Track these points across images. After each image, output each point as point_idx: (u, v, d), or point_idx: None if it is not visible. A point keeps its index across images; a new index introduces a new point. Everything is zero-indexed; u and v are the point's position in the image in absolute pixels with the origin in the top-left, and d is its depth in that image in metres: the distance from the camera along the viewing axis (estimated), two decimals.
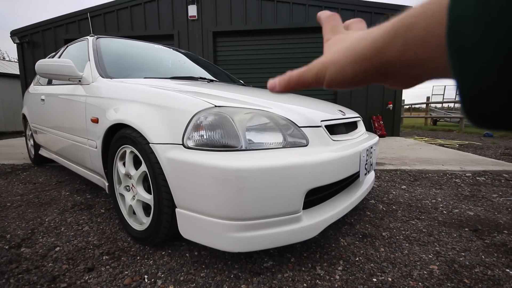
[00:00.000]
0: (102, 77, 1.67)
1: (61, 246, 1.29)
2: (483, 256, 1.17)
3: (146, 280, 1.01)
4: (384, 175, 2.58)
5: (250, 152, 1.00)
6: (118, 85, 1.50)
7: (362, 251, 1.22)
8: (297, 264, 1.11)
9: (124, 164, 1.38)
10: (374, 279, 1.01)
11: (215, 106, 1.07)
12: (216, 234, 0.97)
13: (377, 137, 1.74)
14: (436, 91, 15.22)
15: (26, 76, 6.77)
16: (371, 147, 1.44)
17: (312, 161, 1.01)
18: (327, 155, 1.07)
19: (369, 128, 5.69)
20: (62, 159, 2.32)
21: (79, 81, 1.77)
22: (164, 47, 2.56)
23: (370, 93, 5.72)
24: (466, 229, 1.44)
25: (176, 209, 1.08)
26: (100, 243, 1.31)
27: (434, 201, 1.88)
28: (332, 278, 1.02)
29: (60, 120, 2.07)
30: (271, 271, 1.07)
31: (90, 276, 1.04)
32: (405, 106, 13.49)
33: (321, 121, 1.23)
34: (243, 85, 2.60)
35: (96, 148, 1.54)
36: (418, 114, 21.75)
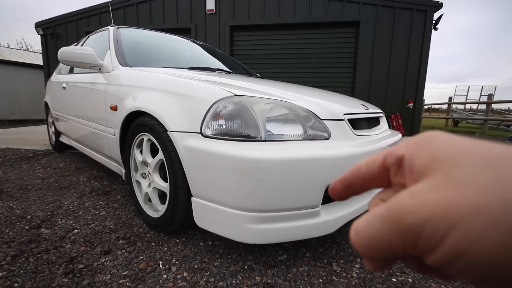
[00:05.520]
0: (122, 65, 1.68)
1: (79, 228, 1.32)
2: None
3: (160, 265, 1.02)
4: None
5: (270, 143, 0.97)
6: (137, 73, 1.51)
7: None
8: (312, 259, 1.08)
9: (141, 151, 1.39)
10: (394, 279, 0.97)
11: (235, 95, 1.04)
12: (232, 224, 0.96)
13: (400, 134, 1.67)
14: (459, 91, 14.52)
15: (49, 66, 7.01)
16: (395, 144, 1.37)
17: (334, 155, 0.97)
18: (350, 149, 1.03)
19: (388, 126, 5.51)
20: (82, 146, 2.38)
21: (100, 69, 1.79)
22: (183, 39, 2.56)
23: (389, 90, 5.53)
24: None
25: (192, 198, 1.08)
26: (116, 228, 1.33)
27: None
28: (349, 276, 0.98)
29: (80, 107, 2.12)
30: (286, 264, 1.04)
31: (106, 259, 1.05)
32: (424, 106, 13.00)
33: (344, 114, 1.18)
34: (260, 78, 2.56)
35: (114, 135, 1.56)
36: (438, 115, 20.99)
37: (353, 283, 0.94)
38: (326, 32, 5.70)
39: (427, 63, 5.43)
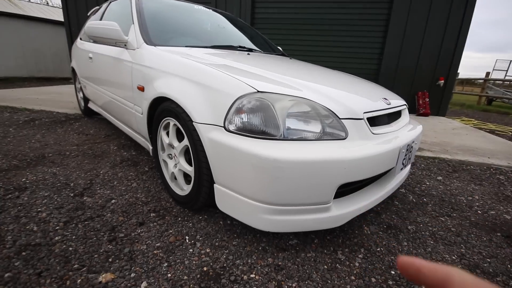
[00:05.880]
0: (147, 43, 1.70)
1: (116, 199, 1.50)
2: (509, 265, 1.17)
3: (187, 240, 1.18)
4: (421, 162, 2.48)
5: (288, 142, 1.02)
6: (163, 55, 1.54)
7: (384, 242, 1.27)
8: (320, 246, 1.20)
9: (167, 133, 1.49)
10: (393, 272, 1.08)
11: (258, 91, 1.07)
12: (250, 213, 1.07)
13: (421, 126, 1.65)
14: (499, 66, 13.12)
15: (70, 24, 7.02)
16: (413, 142, 1.38)
17: (349, 157, 1.01)
18: (365, 151, 1.06)
19: (412, 105, 5.27)
20: (110, 116, 2.53)
21: (125, 45, 1.83)
22: (203, 8, 2.48)
23: (420, 64, 5.15)
24: (499, 234, 1.41)
25: (214, 184, 1.19)
26: (147, 201, 1.50)
27: (470, 198, 1.81)
28: (351, 264, 1.10)
29: (108, 80, 2.20)
30: (296, 249, 1.17)
31: (141, 230, 1.23)
32: (458, 79, 11.98)
33: (364, 113, 1.19)
34: (282, 54, 2.49)
35: (142, 114, 1.66)
36: (472, 89, 19.43)
37: (355, 272, 1.06)
38: None
39: (467, 34, 4.92)
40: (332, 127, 1.10)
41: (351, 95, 1.28)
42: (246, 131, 1.06)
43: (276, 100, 1.06)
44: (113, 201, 1.48)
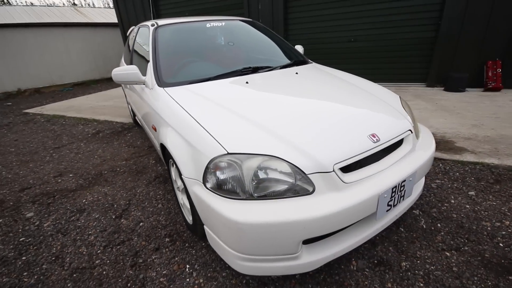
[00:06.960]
0: (158, 85, 1.91)
1: (144, 221, 1.87)
2: None
3: (187, 269, 1.45)
4: (456, 169, 2.20)
5: (253, 202, 1.13)
6: (167, 101, 1.70)
7: (366, 282, 1.30)
8: (298, 284, 1.32)
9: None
10: None
11: (228, 153, 1.18)
12: (228, 256, 1.25)
13: (431, 150, 1.50)
14: None
15: (124, 26, 7.87)
16: (405, 180, 1.29)
17: (308, 217, 1.06)
18: (328, 208, 1.09)
19: (479, 78, 4.38)
20: (149, 135, 2.94)
21: (144, 84, 2.09)
22: (216, 24, 2.52)
23: (492, 27, 4.14)
24: (510, 277, 1.27)
25: (204, 225, 1.40)
26: (166, 224, 1.82)
27: (498, 224, 1.60)
28: None
29: (139, 109, 2.56)
30: (275, 285, 1.32)
31: (155, 256, 1.55)
32: None
33: (336, 163, 1.18)
34: (297, 62, 2.38)
35: (159, 148, 1.94)
36: None
37: None
38: None
39: None
40: (299, 183, 1.15)
41: (329, 141, 1.25)
42: (218, 190, 1.20)
43: (244, 160, 1.16)
44: (141, 223, 1.84)
